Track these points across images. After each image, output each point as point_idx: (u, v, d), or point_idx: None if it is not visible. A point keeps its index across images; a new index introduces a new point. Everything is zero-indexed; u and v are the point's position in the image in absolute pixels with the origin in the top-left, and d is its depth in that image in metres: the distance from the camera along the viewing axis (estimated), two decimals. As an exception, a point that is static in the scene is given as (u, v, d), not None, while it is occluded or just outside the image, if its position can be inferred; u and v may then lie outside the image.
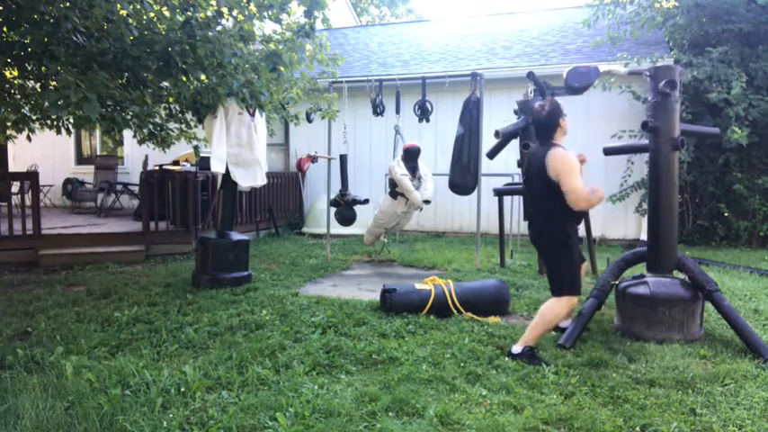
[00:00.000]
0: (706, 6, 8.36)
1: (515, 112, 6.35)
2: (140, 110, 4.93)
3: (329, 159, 7.26)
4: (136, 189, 10.39)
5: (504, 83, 9.05)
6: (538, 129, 3.60)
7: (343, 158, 7.26)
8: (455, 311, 4.38)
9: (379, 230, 6.95)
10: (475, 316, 4.32)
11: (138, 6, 4.40)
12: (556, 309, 3.42)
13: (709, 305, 4.41)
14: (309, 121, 7.20)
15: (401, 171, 6.42)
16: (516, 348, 3.43)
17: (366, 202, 7.24)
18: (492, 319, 4.25)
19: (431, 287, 4.51)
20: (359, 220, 7.54)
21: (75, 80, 3.61)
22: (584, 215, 3.70)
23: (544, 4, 31.69)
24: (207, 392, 2.91)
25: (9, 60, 4.62)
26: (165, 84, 5.03)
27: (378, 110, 7.22)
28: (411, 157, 6.55)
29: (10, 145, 11.00)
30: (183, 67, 4.33)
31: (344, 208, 7.14)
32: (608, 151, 4.66)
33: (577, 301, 3.50)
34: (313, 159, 8.41)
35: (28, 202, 6.67)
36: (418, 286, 4.56)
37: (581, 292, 3.52)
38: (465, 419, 2.62)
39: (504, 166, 8.39)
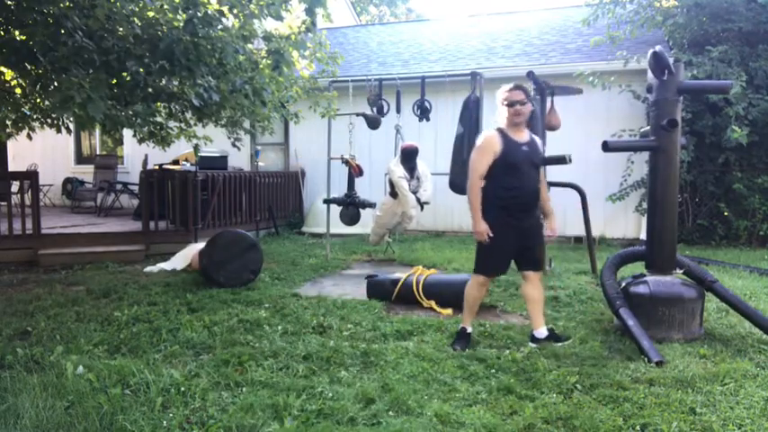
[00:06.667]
0: (706, 6, 8.35)
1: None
2: (143, 109, 4.94)
3: (346, 162, 7.16)
4: (136, 188, 10.38)
5: (504, 82, 8.96)
6: None
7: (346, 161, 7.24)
8: (419, 299, 4.73)
9: (382, 230, 6.94)
10: (434, 305, 4.63)
11: (141, 5, 4.40)
12: (470, 284, 3.77)
13: (708, 304, 4.42)
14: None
15: (399, 173, 6.39)
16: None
17: (373, 205, 7.23)
18: (444, 311, 4.52)
19: (406, 276, 4.92)
20: (361, 220, 7.54)
21: (79, 81, 3.62)
22: (524, 202, 3.60)
23: (544, 4, 31.66)
24: (207, 392, 2.91)
25: (9, 60, 4.61)
26: (167, 82, 5.03)
27: (377, 109, 7.20)
28: (409, 157, 6.53)
29: (10, 144, 10.99)
30: (187, 65, 4.33)
31: (350, 208, 7.14)
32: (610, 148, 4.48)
33: (487, 280, 3.78)
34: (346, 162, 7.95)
35: (28, 201, 6.67)
36: (398, 275, 4.99)
37: (493, 273, 3.78)
38: (465, 418, 2.62)
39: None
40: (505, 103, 3.60)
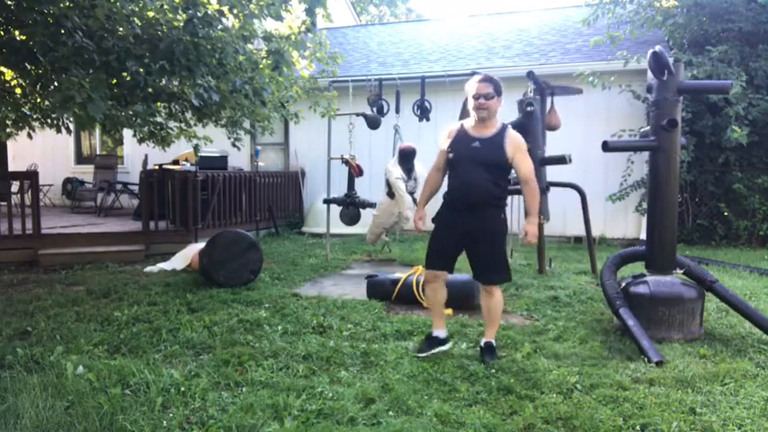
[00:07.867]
0: (706, 5, 8.36)
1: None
2: (143, 109, 4.95)
3: (346, 161, 7.15)
4: (136, 188, 10.39)
5: (504, 82, 8.97)
6: None
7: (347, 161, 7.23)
8: (419, 299, 4.69)
9: (379, 230, 6.94)
10: None
11: (141, 5, 4.41)
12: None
13: (708, 304, 4.42)
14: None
15: (396, 174, 6.39)
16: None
17: (373, 205, 7.23)
18: (445, 311, 4.35)
19: (406, 276, 4.89)
20: (361, 220, 7.54)
21: (79, 81, 3.62)
22: (461, 201, 3.41)
23: (544, 4, 31.66)
24: (207, 392, 2.91)
25: (9, 60, 4.62)
26: (167, 82, 5.04)
27: (377, 109, 7.20)
28: (406, 158, 6.52)
29: (10, 144, 10.99)
30: (187, 65, 4.33)
31: (351, 208, 7.14)
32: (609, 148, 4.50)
33: (434, 275, 3.53)
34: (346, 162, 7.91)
35: (28, 201, 6.67)
36: (398, 275, 4.98)
37: (431, 268, 3.53)
38: (465, 418, 2.62)
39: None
40: (472, 94, 3.38)
